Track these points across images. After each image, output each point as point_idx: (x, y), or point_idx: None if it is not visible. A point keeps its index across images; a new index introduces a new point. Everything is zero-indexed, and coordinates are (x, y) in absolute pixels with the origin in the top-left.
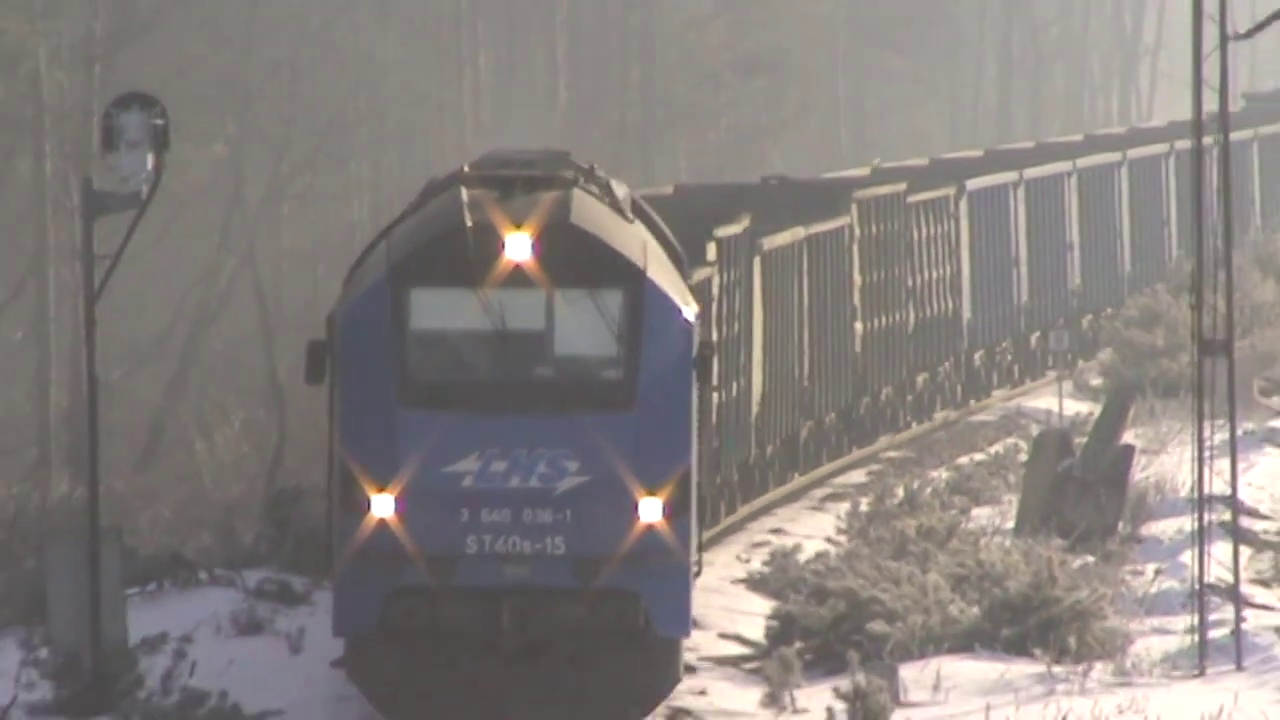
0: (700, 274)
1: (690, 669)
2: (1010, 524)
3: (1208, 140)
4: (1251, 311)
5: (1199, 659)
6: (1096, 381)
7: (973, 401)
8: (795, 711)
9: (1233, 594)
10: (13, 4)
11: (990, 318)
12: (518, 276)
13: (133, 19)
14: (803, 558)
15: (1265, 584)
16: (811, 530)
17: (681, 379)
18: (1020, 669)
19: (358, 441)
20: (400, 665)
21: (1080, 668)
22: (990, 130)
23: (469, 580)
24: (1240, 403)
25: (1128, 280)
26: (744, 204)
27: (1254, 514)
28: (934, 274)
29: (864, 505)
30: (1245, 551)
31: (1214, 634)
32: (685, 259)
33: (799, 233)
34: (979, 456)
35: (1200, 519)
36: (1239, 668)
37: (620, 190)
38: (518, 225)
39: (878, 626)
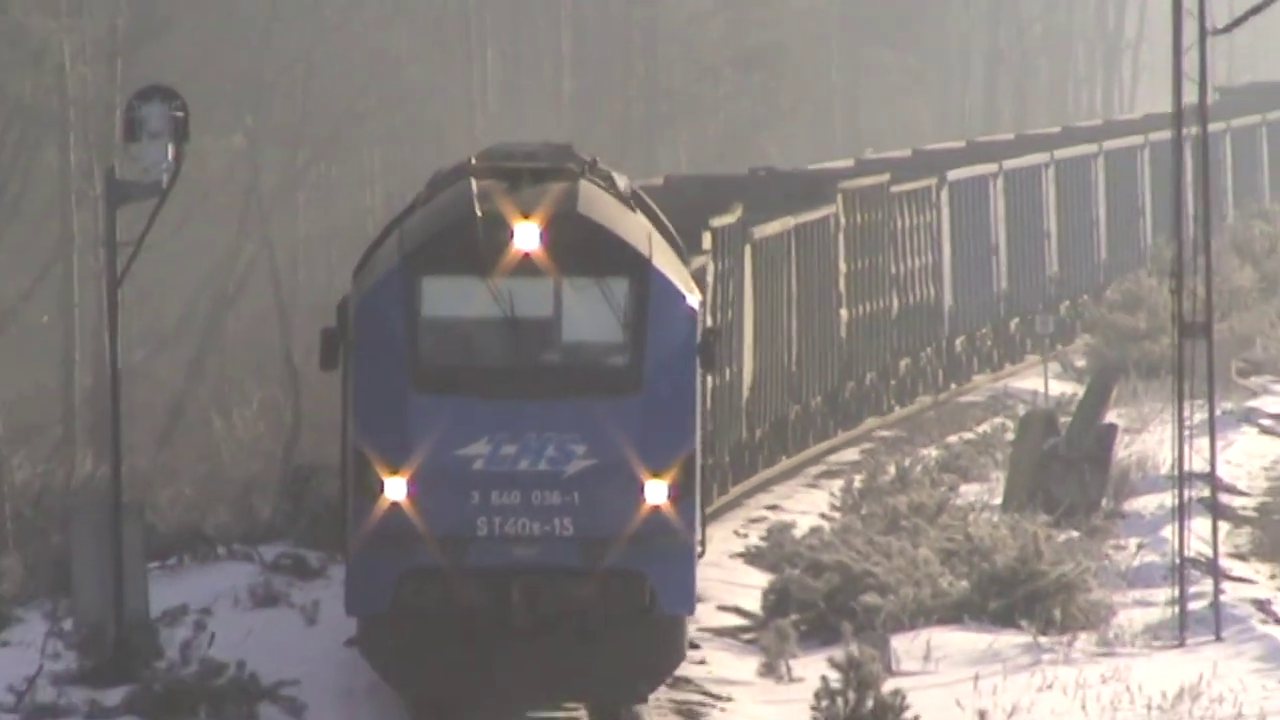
0: (696, 263)
1: (694, 646)
2: (998, 500)
3: (1185, 131)
4: (1230, 295)
5: (1179, 630)
6: (1081, 363)
7: (953, 385)
8: (791, 680)
9: (1212, 567)
10: (40, 2)
11: (971, 304)
12: (527, 265)
13: (154, 15)
14: (798, 533)
15: (1243, 558)
16: (806, 506)
17: (686, 365)
18: (1007, 639)
19: (371, 426)
20: (412, 644)
21: (1065, 638)
22: (978, 122)
23: (480, 561)
24: (1219, 383)
25: (1104, 268)
26: (733, 195)
27: (1232, 490)
28: (916, 262)
29: (857, 482)
30: (1224, 526)
31: (1194, 606)
32: (684, 248)
33: (789, 222)
34: (968, 435)
35: (1180, 495)
36: (1218, 638)
37: (621, 181)
38: (526, 215)
39: (870, 599)
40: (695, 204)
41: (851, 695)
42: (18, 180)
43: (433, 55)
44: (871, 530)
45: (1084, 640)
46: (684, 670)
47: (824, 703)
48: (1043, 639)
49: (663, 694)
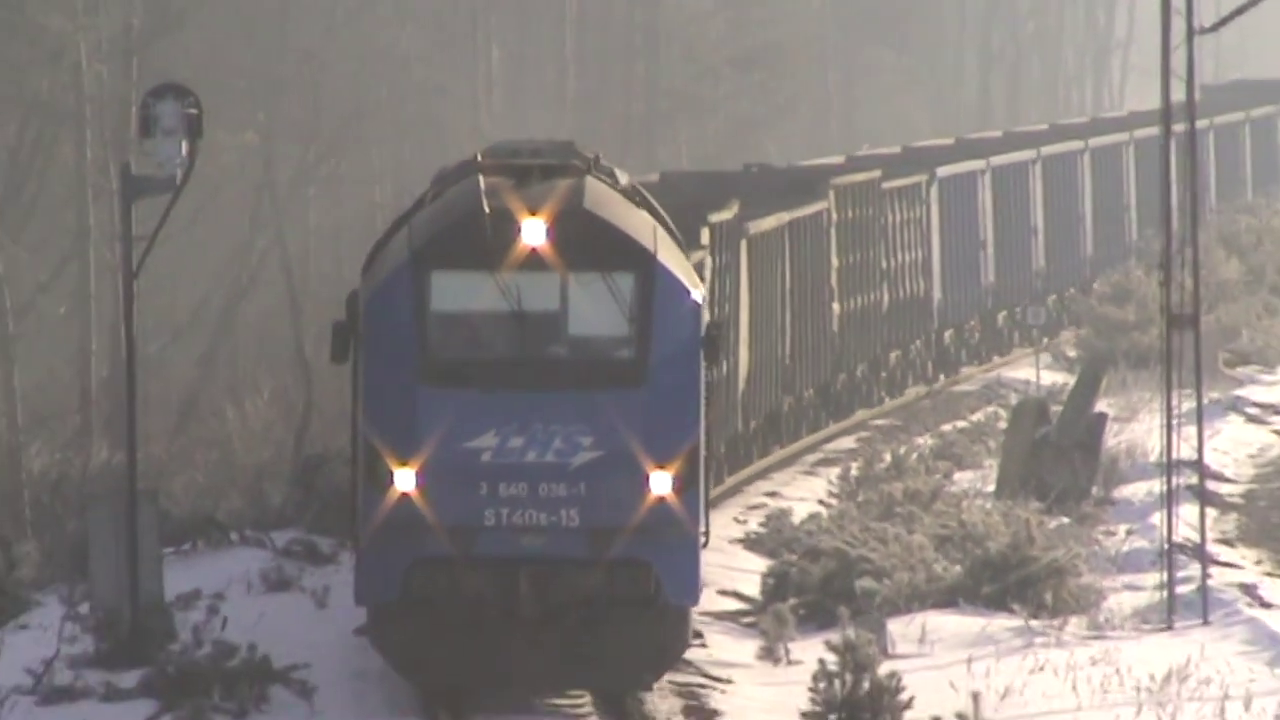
0: (694, 257)
1: (698, 635)
2: (991, 487)
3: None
4: (1217, 288)
5: (1168, 613)
6: (1072, 353)
7: (942, 377)
8: (790, 663)
9: (1199, 553)
10: (57, 2)
11: (959, 298)
12: (534, 260)
13: (168, 14)
14: (796, 519)
15: (1230, 543)
16: (804, 493)
17: (691, 358)
18: (1000, 623)
19: (381, 418)
20: (421, 633)
21: (1056, 622)
22: (971, 119)
23: (488, 551)
24: (1206, 373)
25: (1089, 262)
26: (728, 191)
27: (1219, 478)
28: (906, 257)
29: (854, 470)
30: (1211, 513)
31: (1182, 590)
32: (684, 243)
33: (783, 218)
34: (961, 424)
35: (1169, 482)
36: (1205, 622)
37: (623, 178)
38: (533, 211)
39: (867, 583)
40: (692, 200)
41: (848, 677)
42: (36, 176)
43: (439, 54)
44: (868, 516)
45: (1075, 624)
46: (684, 654)
47: (821, 685)
48: (1034, 622)
49: (664, 677)
